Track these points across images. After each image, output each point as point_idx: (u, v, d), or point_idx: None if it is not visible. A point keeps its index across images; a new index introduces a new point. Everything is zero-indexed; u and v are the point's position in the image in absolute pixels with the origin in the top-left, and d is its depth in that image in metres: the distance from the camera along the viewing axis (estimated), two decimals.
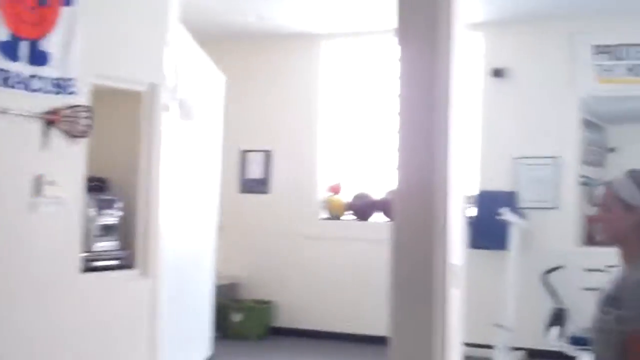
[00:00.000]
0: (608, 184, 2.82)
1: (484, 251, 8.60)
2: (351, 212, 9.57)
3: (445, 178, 3.82)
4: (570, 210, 8.43)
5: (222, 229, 8.74)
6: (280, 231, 9.68)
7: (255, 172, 9.90)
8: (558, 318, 7.27)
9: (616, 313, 2.68)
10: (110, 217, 5.24)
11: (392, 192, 4.03)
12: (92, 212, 5.12)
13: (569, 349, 7.25)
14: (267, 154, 9.85)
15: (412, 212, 3.87)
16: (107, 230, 5.21)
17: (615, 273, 2.81)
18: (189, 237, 6.62)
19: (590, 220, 2.85)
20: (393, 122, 3.94)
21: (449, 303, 3.86)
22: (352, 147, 9.80)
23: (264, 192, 9.87)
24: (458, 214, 3.96)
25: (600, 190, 2.86)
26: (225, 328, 9.26)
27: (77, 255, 4.92)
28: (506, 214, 8.19)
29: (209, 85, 7.23)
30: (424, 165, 3.84)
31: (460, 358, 4.05)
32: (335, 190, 9.72)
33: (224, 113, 8.01)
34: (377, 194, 9.34)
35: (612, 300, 2.71)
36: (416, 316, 3.84)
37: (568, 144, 8.63)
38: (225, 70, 7.96)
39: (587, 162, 8.86)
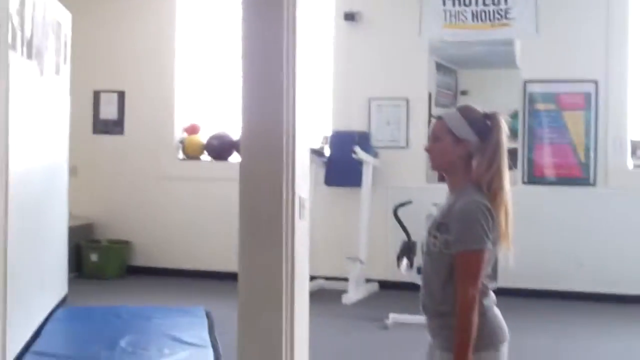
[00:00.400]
0: (440, 118, 3.01)
1: (338, 188, 8.89)
2: (209, 152, 9.61)
3: (292, 120, 3.95)
4: (419, 150, 8.69)
5: (75, 170, 8.65)
6: (137, 172, 9.64)
7: (109, 113, 9.76)
8: (407, 250, 7.54)
9: (443, 237, 2.90)
10: None
11: (241, 134, 4.13)
12: None
13: (418, 279, 7.58)
14: (121, 95, 9.73)
15: (260, 152, 4.00)
16: None
17: (444, 201, 3.02)
18: (38, 179, 6.52)
19: (425, 150, 3.02)
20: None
21: (297, 234, 4.03)
22: (210, 88, 9.80)
23: (119, 133, 9.76)
24: (304, 152, 4.11)
25: (433, 124, 3.05)
26: (82, 268, 9.26)
27: None
28: (359, 153, 8.44)
29: (54, 24, 7.04)
30: (271, 109, 3.95)
31: (307, 285, 4.23)
32: (193, 130, 9.72)
33: (74, 53, 7.87)
34: (235, 135, 9.42)
35: (439, 226, 2.93)
36: (265, 247, 3.99)
37: (418, 86, 8.93)
38: (71, 7, 7.80)
39: (439, 104, 9.20)
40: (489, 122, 2.95)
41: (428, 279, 2.99)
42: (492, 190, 2.91)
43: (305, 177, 4.10)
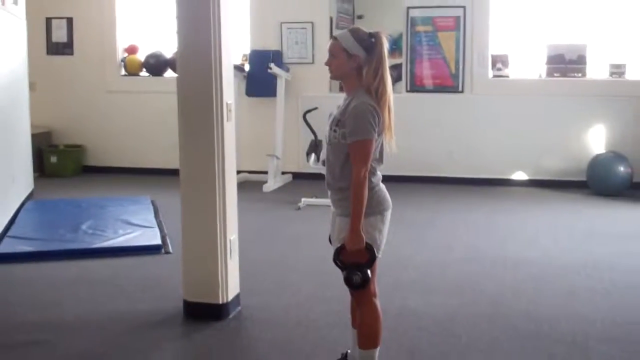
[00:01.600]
0: (335, 38, 3.13)
1: (257, 98, 8.98)
2: (146, 69, 9.52)
3: (218, 40, 4.06)
4: (322, 65, 8.77)
5: (33, 86, 8.52)
6: (86, 87, 9.52)
7: (60, 36, 9.56)
8: (314, 147, 7.76)
9: (341, 131, 3.10)
10: None
11: (176, 52, 4.21)
12: None
13: (323, 170, 7.80)
14: (70, 20, 9.50)
15: (193, 67, 4.11)
16: None
17: (341, 102, 3.22)
18: (3, 93, 6.46)
19: (325, 65, 3.15)
20: None
21: (226, 133, 4.20)
22: (147, 11, 9.57)
23: (69, 54, 9.56)
24: (229, 66, 4.24)
25: (330, 43, 3.19)
26: (44, 169, 9.21)
27: None
28: (274, 68, 8.51)
29: None
30: (201, 31, 4.05)
31: (235, 173, 4.41)
32: (132, 50, 9.60)
33: None
34: (169, 53, 9.35)
35: (338, 122, 3.13)
36: (201, 144, 4.16)
37: (321, 12, 8.95)
38: None
39: (339, 27, 9.19)
40: (373, 40, 3.07)
41: (330, 164, 3.16)
42: (378, 94, 3.05)
43: (230, 86, 4.23)
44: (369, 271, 3.07)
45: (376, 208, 3.11)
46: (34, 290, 4.81)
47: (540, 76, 8.61)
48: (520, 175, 8.55)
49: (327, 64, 3.18)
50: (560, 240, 6.14)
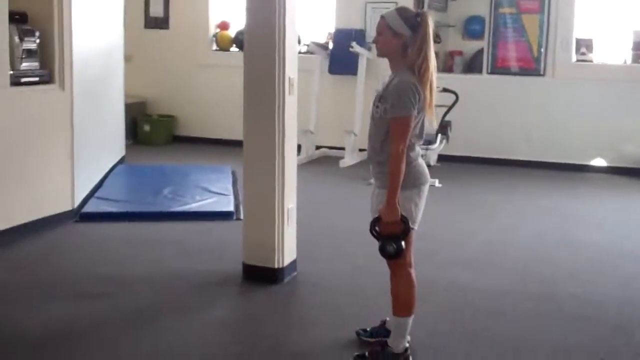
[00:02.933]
0: (382, 17, 3.20)
1: (339, 76, 9.08)
2: (237, 45, 9.76)
3: (282, 17, 4.18)
4: None
5: (129, 57, 8.90)
6: (180, 60, 9.84)
7: (157, 11, 9.93)
8: None
9: (383, 107, 3.18)
10: (32, 44, 5.32)
11: (244, 28, 4.36)
12: (16, 39, 5.22)
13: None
14: None
15: (258, 42, 4.25)
16: (29, 53, 5.28)
17: (386, 79, 3.28)
18: (99, 63, 6.78)
19: (372, 43, 3.21)
20: None
21: (287, 106, 4.32)
22: None
23: (165, 28, 9.92)
24: (293, 41, 4.35)
25: (378, 22, 3.25)
26: (137, 136, 9.63)
27: (7, 73, 5.04)
28: (355, 47, 8.55)
29: None
30: (266, 9, 4.18)
31: (295, 144, 4.52)
32: (224, 27, 9.87)
33: None
34: None
35: (380, 98, 3.20)
36: (263, 116, 4.31)
37: None
38: None
39: (432, 7, 9.08)
40: (419, 19, 3.10)
41: (372, 138, 3.23)
42: (421, 72, 3.09)
43: (293, 61, 4.34)
44: (403, 242, 3.14)
45: (413, 182, 3.17)
46: (109, 248, 5.12)
47: (625, 62, 8.33)
48: (599, 162, 8.33)
49: (374, 41, 3.25)
50: (628, 227, 6.00)
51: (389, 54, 3.21)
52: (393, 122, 3.10)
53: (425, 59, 3.11)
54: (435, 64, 3.19)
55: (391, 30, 3.16)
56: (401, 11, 3.19)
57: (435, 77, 3.18)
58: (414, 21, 3.13)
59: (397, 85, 3.10)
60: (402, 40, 3.15)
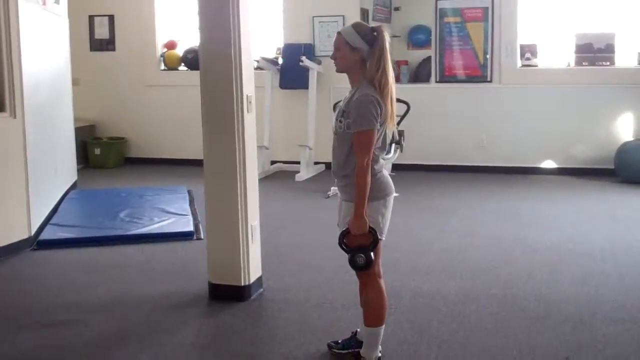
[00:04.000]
0: (339, 33, 3.26)
1: (290, 90, 9.15)
2: (185, 64, 9.75)
3: (238, 36, 4.23)
4: None
5: (77, 81, 8.82)
6: (128, 82, 9.80)
7: (102, 33, 9.87)
8: None
9: (345, 121, 3.24)
10: None
11: (199, 47, 4.39)
12: None
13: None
14: (111, 18, 9.81)
15: (214, 62, 4.28)
16: None
17: (346, 94, 3.35)
18: (48, 88, 6.72)
19: (331, 58, 3.30)
20: None
21: (246, 123, 4.36)
22: (185, 8, 9.76)
23: (111, 50, 9.87)
24: (249, 60, 4.40)
25: (335, 38, 3.31)
26: (88, 160, 9.53)
27: None
28: (305, 61, 8.64)
29: None
30: (221, 28, 4.21)
31: (255, 161, 4.55)
32: (171, 46, 9.86)
33: None
34: None
35: (343, 113, 3.27)
36: (222, 134, 4.33)
37: (352, 5, 8.98)
38: None
39: (376, 19, 9.26)
40: (375, 34, 3.18)
41: (335, 152, 3.29)
42: (381, 85, 3.17)
43: (250, 79, 4.38)
44: (372, 253, 3.20)
45: (379, 193, 3.23)
46: (71, 275, 5.07)
47: (568, 65, 8.61)
48: (549, 164, 8.57)
49: (332, 57, 3.32)
50: (581, 226, 6.19)
51: (348, 69, 3.29)
52: (356, 136, 3.16)
53: (384, 72, 3.19)
54: (394, 76, 3.28)
55: (348, 45, 3.23)
56: (357, 26, 3.26)
57: (394, 89, 3.26)
58: (370, 36, 3.21)
59: (358, 99, 3.17)
60: (360, 55, 3.22)
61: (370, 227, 3.17)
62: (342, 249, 3.25)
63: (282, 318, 4.21)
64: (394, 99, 3.27)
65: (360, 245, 3.19)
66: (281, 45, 9.35)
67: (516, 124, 8.61)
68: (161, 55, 9.82)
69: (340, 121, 3.26)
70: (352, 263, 3.22)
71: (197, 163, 8.87)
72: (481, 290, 4.54)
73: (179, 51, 9.79)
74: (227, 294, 4.39)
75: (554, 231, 6.00)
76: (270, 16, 9.44)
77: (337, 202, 3.48)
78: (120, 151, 9.76)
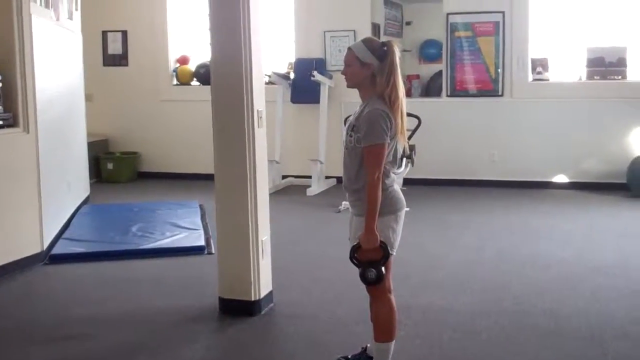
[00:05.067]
0: (349, 49, 3.29)
1: (302, 105, 9.17)
2: (197, 79, 9.80)
3: (249, 51, 4.25)
4: None
5: (90, 96, 8.89)
6: (140, 97, 9.84)
7: (115, 49, 9.94)
8: None
9: (356, 136, 3.25)
10: None
11: (210, 62, 4.42)
12: None
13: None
14: (124, 33, 9.88)
15: (225, 77, 4.30)
16: None
17: (357, 108, 3.36)
18: (62, 103, 6.77)
19: (342, 74, 3.32)
20: None
21: (257, 138, 4.38)
22: (197, 23, 9.80)
23: (124, 65, 9.94)
24: (260, 75, 4.42)
25: (345, 53, 3.33)
26: (101, 175, 9.58)
27: None
28: (317, 76, 8.64)
29: None
30: (232, 44, 4.24)
31: (266, 174, 4.56)
32: (183, 61, 9.92)
33: (83, 0, 7.98)
34: None
35: (353, 127, 3.28)
36: (233, 149, 4.35)
37: (363, 20, 9.04)
38: None
39: (387, 33, 9.29)
40: (385, 49, 3.20)
41: (346, 167, 3.29)
42: (391, 100, 3.18)
43: (261, 94, 4.40)
44: (383, 268, 3.20)
45: (390, 208, 3.24)
46: (82, 289, 5.09)
47: (580, 79, 8.59)
48: (560, 178, 8.54)
49: (343, 73, 3.33)
50: (593, 241, 6.15)
51: (359, 84, 3.30)
52: (367, 151, 3.16)
53: (395, 86, 3.20)
54: (404, 91, 3.29)
55: (359, 60, 3.24)
56: (367, 42, 3.28)
57: (405, 103, 3.26)
58: (380, 51, 3.22)
59: (369, 114, 3.18)
60: (371, 70, 3.23)
61: (381, 241, 3.17)
62: (353, 263, 3.25)
63: (293, 333, 4.20)
64: (405, 114, 3.27)
65: (371, 260, 3.19)
66: (293, 60, 9.38)
67: (528, 138, 8.58)
68: (174, 70, 9.88)
69: (351, 135, 3.26)
70: (363, 277, 3.21)
71: (209, 177, 8.90)
72: (492, 305, 4.52)
73: (192, 66, 9.84)
74: (238, 309, 4.39)
75: (566, 246, 5.97)
76: (281, 31, 9.48)
77: (348, 216, 3.47)
78: (132, 166, 9.81)
